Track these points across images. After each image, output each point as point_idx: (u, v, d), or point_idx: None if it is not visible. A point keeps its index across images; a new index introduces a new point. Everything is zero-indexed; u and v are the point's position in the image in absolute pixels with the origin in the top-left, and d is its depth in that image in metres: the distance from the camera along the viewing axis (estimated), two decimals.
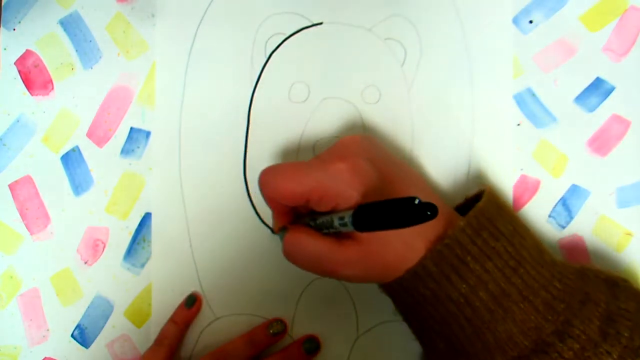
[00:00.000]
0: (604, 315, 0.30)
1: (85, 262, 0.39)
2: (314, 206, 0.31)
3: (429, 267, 0.30)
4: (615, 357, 0.29)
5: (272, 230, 0.38)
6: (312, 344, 0.38)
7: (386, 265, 0.31)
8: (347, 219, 0.28)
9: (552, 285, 0.30)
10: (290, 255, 0.33)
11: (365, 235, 0.30)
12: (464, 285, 0.30)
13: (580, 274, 0.32)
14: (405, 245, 0.30)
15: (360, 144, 0.33)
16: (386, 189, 0.31)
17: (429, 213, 0.24)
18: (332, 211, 0.31)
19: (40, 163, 0.40)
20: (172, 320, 0.38)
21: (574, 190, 0.38)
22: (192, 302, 0.38)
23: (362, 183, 0.30)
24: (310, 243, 0.31)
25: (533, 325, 0.30)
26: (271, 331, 0.38)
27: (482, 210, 0.31)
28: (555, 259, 0.32)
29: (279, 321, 0.38)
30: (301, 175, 0.31)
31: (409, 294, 0.31)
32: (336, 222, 0.29)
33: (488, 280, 0.29)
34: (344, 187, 0.30)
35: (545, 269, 0.31)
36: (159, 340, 0.38)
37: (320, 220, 0.31)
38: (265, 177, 0.32)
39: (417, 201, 0.24)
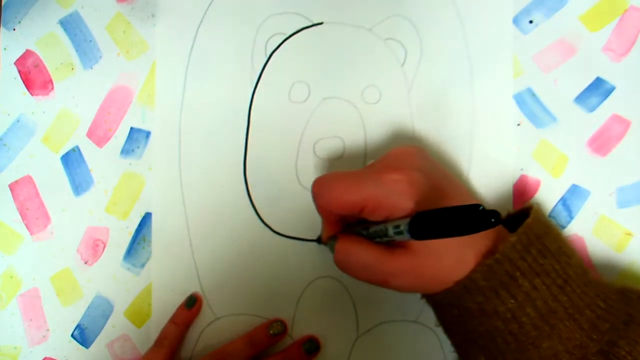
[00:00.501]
0: None
1: (86, 262, 0.39)
2: (367, 215, 0.31)
3: (478, 281, 0.30)
4: None
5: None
6: (311, 345, 0.38)
7: (436, 277, 0.31)
8: (403, 227, 0.28)
9: (596, 305, 0.30)
10: (342, 263, 0.32)
11: (417, 246, 0.30)
12: (512, 301, 0.30)
13: (622, 294, 0.32)
14: (457, 258, 0.30)
15: (413, 156, 0.33)
16: (437, 200, 0.31)
17: (492, 220, 0.24)
18: (384, 220, 0.31)
19: (40, 163, 0.40)
20: (172, 321, 0.38)
21: (574, 190, 0.38)
22: (193, 303, 0.38)
23: (417, 194, 0.30)
24: (363, 252, 0.31)
25: (578, 343, 0.29)
26: (271, 332, 0.38)
27: (530, 227, 0.31)
28: (597, 278, 0.32)
29: (279, 322, 0.38)
30: (356, 185, 0.31)
31: (455, 307, 0.31)
32: (391, 231, 0.29)
33: (536, 297, 0.30)
34: (400, 198, 0.30)
35: (590, 288, 0.31)
36: (159, 341, 0.38)
37: (373, 229, 0.31)
38: (319, 187, 0.32)
39: (481, 208, 0.24)
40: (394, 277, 0.31)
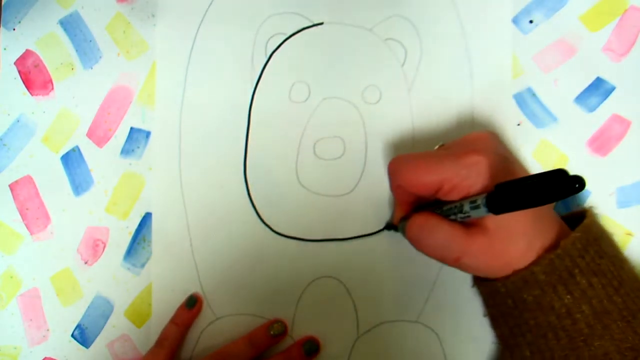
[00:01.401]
0: None
1: (86, 262, 0.39)
2: (443, 196, 0.31)
3: (538, 274, 0.30)
4: None
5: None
6: (311, 346, 0.38)
7: (506, 260, 0.31)
8: (481, 201, 0.28)
9: None
10: (417, 238, 0.33)
11: (492, 226, 0.30)
12: (569, 297, 0.30)
13: None
14: (528, 243, 0.31)
15: (490, 140, 0.33)
16: None
17: (577, 186, 0.24)
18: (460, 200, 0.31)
19: (40, 163, 0.40)
20: (173, 321, 0.38)
21: None
22: (193, 303, 0.38)
23: (494, 175, 0.30)
24: (438, 227, 0.31)
25: (630, 345, 0.30)
26: (272, 332, 0.38)
27: (589, 227, 0.31)
28: None
29: (279, 322, 0.38)
30: (436, 165, 0.31)
31: (510, 297, 0.31)
32: (467, 207, 0.29)
33: (592, 295, 0.30)
34: (479, 178, 0.30)
35: None
36: (159, 342, 0.38)
37: (447, 207, 0.32)
38: (396, 166, 0.33)
39: (564, 172, 0.24)
40: (466, 256, 0.31)
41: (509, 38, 0.39)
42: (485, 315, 0.34)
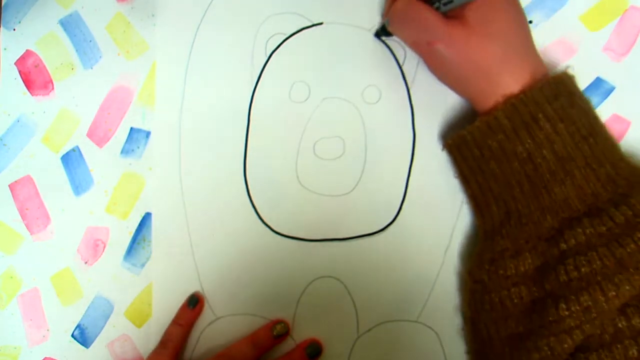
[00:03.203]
0: None
1: (86, 262, 0.39)
2: None
3: (500, 119, 0.31)
4: None
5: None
6: (314, 349, 0.38)
7: (479, 67, 0.32)
8: None
9: (617, 163, 0.31)
10: (398, 20, 0.34)
11: (473, 21, 0.32)
12: (529, 141, 0.31)
13: None
14: (504, 52, 0.32)
15: None
16: None
17: None
18: None
19: (40, 163, 0.40)
20: (176, 322, 0.38)
21: None
22: (195, 303, 0.38)
23: None
24: (421, 9, 0.33)
25: (590, 192, 0.31)
26: (274, 333, 0.38)
27: (562, 80, 0.32)
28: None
29: (282, 323, 0.38)
30: None
31: (477, 147, 0.33)
32: None
33: (555, 140, 0.31)
34: None
35: (616, 150, 0.32)
36: (163, 343, 0.38)
37: None
38: None
39: None
40: (442, 42, 0.32)
41: None
42: (456, 177, 0.36)
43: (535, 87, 0.31)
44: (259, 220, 0.39)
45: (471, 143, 0.33)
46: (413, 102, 0.39)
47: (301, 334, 0.39)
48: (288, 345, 0.39)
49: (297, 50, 0.39)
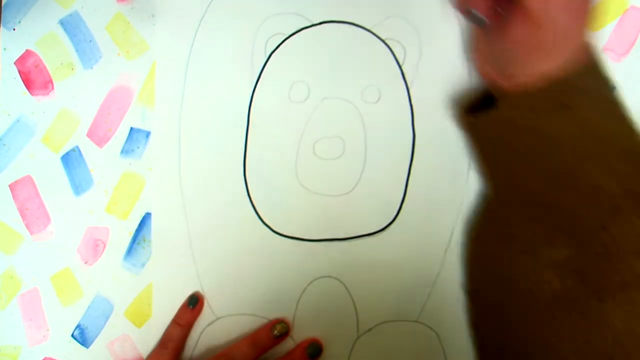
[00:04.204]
0: None
1: (86, 262, 0.40)
2: None
3: (530, 98, 0.31)
4: None
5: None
6: (315, 349, 0.38)
7: (546, 42, 0.31)
8: None
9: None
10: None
11: (537, 12, 0.30)
12: (564, 123, 0.31)
13: None
14: (563, 37, 0.31)
15: None
16: None
17: None
18: None
19: (40, 163, 0.40)
20: (176, 322, 0.38)
21: None
22: (195, 302, 0.38)
23: None
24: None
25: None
26: (275, 332, 0.38)
27: (597, 68, 0.32)
28: None
29: (282, 323, 0.38)
30: None
31: (508, 128, 0.33)
32: None
33: (591, 123, 0.31)
34: None
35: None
36: (163, 343, 0.38)
37: None
38: None
39: None
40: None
41: None
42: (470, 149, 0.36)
43: (574, 70, 0.31)
44: (259, 220, 0.39)
45: (505, 123, 0.33)
46: (413, 102, 0.39)
47: (301, 334, 0.39)
48: (288, 345, 0.39)
49: (297, 51, 0.39)
